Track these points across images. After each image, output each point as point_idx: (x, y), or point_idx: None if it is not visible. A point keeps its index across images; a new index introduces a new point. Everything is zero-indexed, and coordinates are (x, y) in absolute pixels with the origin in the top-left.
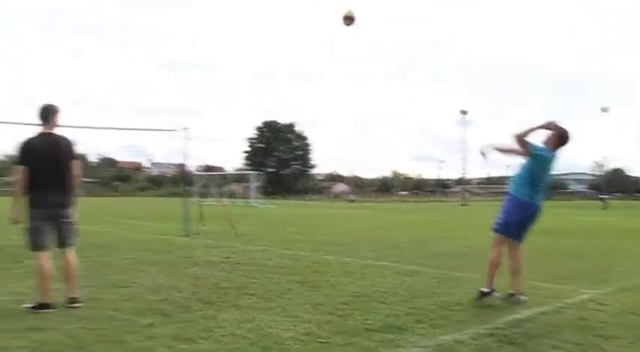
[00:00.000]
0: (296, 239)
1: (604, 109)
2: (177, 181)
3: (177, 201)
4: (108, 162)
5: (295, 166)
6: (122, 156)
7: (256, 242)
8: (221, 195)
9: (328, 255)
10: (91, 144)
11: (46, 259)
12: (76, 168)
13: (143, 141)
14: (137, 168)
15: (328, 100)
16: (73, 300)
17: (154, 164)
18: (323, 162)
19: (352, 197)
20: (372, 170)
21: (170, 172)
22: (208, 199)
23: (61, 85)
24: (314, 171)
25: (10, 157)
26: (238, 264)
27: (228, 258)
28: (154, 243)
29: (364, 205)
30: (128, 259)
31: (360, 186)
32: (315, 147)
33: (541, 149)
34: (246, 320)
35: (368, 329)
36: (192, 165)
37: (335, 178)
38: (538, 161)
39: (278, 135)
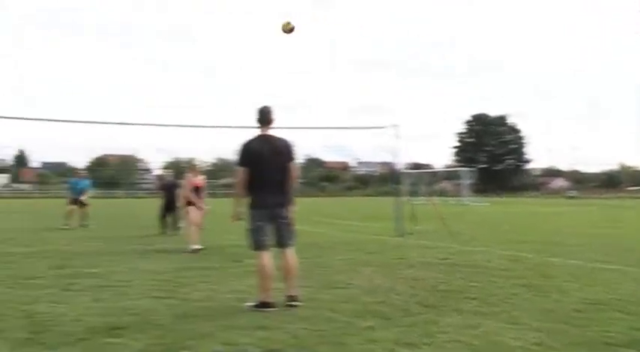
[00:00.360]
0: (514, 239)
1: None
2: (385, 180)
3: (386, 201)
4: (315, 163)
5: (508, 161)
6: (327, 156)
7: (472, 242)
8: (431, 194)
9: (552, 256)
10: (296, 144)
11: (267, 259)
12: (294, 169)
13: (347, 141)
14: (344, 167)
15: (537, 89)
16: (292, 299)
17: (360, 163)
18: (539, 156)
19: (572, 193)
20: (595, 164)
21: (377, 171)
22: (419, 198)
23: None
24: (529, 166)
25: (222, 160)
26: (456, 265)
27: (445, 259)
28: (367, 243)
29: (586, 202)
30: (343, 260)
31: (580, 182)
32: (529, 140)
33: None
34: (469, 326)
35: (608, 343)
36: (400, 162)
37: (553, 173)
38: None
39: (489, 128)
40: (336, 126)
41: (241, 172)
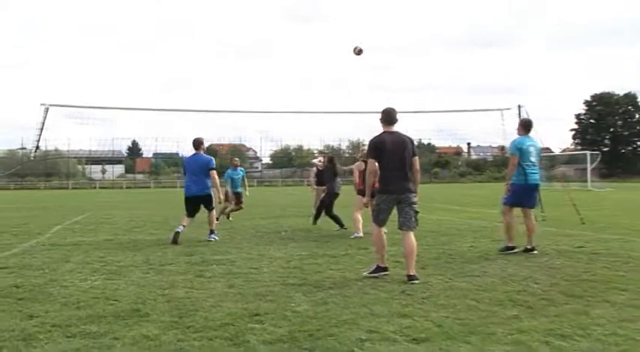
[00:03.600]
0: None
1: None
2: (500, 165)
3: (502, 187)
4: (427, 148)
5: (637, 143)
6: (438, 140)
7: (608, 230)
8: (551, 179)
9: None
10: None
11: (381, 232)
12: (417, 163)
13: (458, 124)
14: (457, 152)
15: None
16: (412, 278)
17: (473, 148)
18: None
19: None
20: None
21: (491, 156)
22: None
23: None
24: None
25: (330, 148)
26: (595, 254)
27: (581, 247)
28: (491, 230)
29: None
30: (472, 247)
31: None
32: None
33: None
34: (626, 320)
35: None
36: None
37: None
38: None
39: (613, 108)
40: (452, 109)
41: (372, 163)
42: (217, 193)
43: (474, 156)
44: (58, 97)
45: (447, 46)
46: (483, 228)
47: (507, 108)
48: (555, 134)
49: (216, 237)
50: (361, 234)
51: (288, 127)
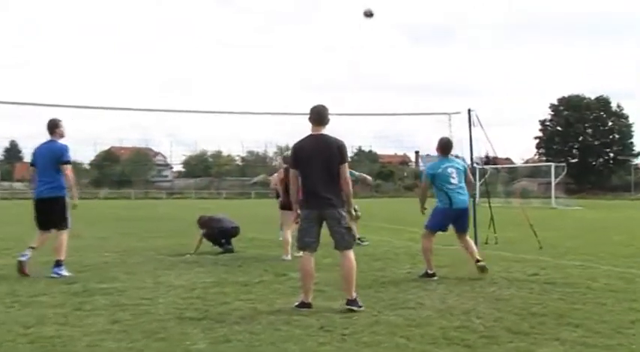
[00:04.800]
0: (623, 252)
1: None
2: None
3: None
4: (368, 157)
5: (609, 154)
6: (382, 148)
7: (569, 255)
8: (509, 194)
9: None
10: (342, 134)
11: (308, 259)
12: (346, 172)
13: (405, 130)
14: (403, 162)
15: None
16: (351, 303)
17: (422, 157)
18: None
19: None
20: None
21: None
22: (495, 199)
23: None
24: (638, 160)
25: (253, 154)
26: (551, 283)
27: (535, 275)
28: (435, 254)
29: None
30: (408, 274)
31: None
32: (638, 127)
33: None
34: None
35: None
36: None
37: None
38: None
39: (583, 114)
40: (393, 112)
41: (292, 173)
42: (75, 197)
43: (422, 167)
44: None
45: (391, 39)
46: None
47: (456, 112)
48: (517, 142)
49: (65, 273)
50: (289, 257)
51: (204, 129)
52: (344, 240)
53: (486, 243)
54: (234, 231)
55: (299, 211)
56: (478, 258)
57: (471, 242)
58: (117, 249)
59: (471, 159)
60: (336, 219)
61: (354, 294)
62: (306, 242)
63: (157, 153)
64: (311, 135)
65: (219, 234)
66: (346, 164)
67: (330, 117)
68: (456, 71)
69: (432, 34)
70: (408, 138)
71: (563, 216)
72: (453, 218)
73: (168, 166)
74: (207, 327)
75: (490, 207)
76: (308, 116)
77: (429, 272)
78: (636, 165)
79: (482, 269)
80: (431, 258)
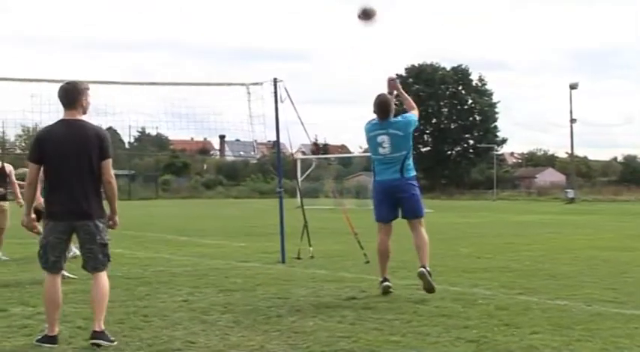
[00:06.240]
0: (469, 266)
1: None
2: (267, 172)
3: (264, 204)
4: (155, 142)
5: (469, 141)
6: (175, 131)
7: (401, 271)
8: (341, 194)
9: (525, 294)
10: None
11: (53, 283)
12: (109, 171)
13: (208, 106)
14: (203, 150)
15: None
16: (97, 335)
17: (229, 143)
18: (518, 133)
19: (571, 193)
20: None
21: (255, 157)
22: (320, 200)
23: None
24: (503, 149)
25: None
26: (370, 308)
27: (352, 298)
28: (226, 274)
29: (594, 207)
30: (183, 302)
31: (586, 175)
32: (504, 107)
33: None
34: None
35: None
36: (293, 144)
37: (540, 161)
38: None
39: (437, 89)
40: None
41: (33, 170)
42: None
43: (229, 157)
44: None
45: None
46: (214, 271)
47: (256, 83)
48: (354, 126)
49: None
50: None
51: None
52: (97, 259)
53: (298, 258)
54: None
55: (44, 222)
56: (385, 279)
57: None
58: None
59: (277, 143)
60: (90, 233)
61: (103, 326)
62: (53, 262)
63: None
64: (62, 120)
65: None
66: (110, 160)
67: (83, 97)
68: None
69: None
70: (211, 118)
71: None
72: (384, 196)
73: None
74: None
75: (303, 211)
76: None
77: (384, 277)
78: (501, 155)
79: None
80: (383, 261)
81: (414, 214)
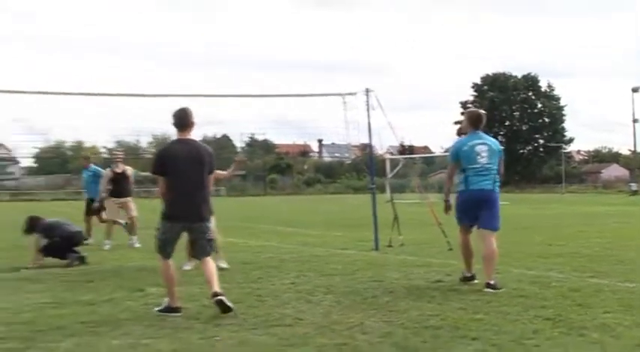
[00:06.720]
0: (543, 252)
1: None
2: (360, 170)
3: (358, 199)
4: (262, 146)
5: (539, 141)
6: (279, 136)
7: (480, 258)
8: (426, 189)
9: (596, 277)
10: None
11: (170, 266)
12: (212, 182)
13: (306, 115)
14: (304, 152)
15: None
16: (217, 294)
17: (326, 146)
18: (585, 133)
19: (634, 186)
20: None
21: (349, 158)
22: (407, 195)
23: None
24: (571, 147)
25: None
26: (454, 290)
27: (439, 281)
28: (327, 260)
29: None
30: (291, 284)
31: None
32: (571, 111)
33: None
34: None
35: None
36: (383, 146)
37: (605, 158)
38: None
39: (509, 95)
40: (285, 93)
41: (161, 182)
42: None
43: (326, 158)
44: None
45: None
46: (316, 258)
47: (350, 93)
48: (436, 128)
49: None
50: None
51: (61, 115)
52: (206, 250)
53: (389, 246)
54: (79, 236)
55: (162, 222)
56: (489, 281)
57: (492, 251)
58: None
59: (370, 147)
60: (202, 232)
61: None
62: (170, 252)
63: None
64: (179, 140)
65: (64, 243)
66: (214, 173)
67: (193, 120)
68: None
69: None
70: (311, 124)
71: None
72: (472, 205)
73: (13, 161)
74: None
75: (393, 204)
76: (171, 121)
77: (467, 275)
78: (569, 153)
79: (493, 288)
80: (469, 259)
81: (493, 226)
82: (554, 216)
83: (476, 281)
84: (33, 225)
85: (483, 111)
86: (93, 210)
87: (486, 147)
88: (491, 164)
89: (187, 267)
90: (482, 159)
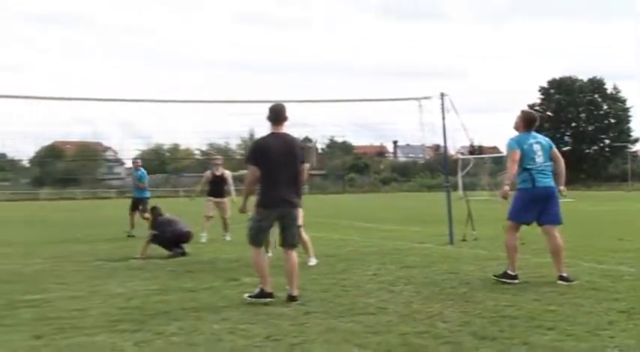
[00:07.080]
0: (613, 247)
1: None
2: (433, 170)
3: (432, 197)
4: (341, 148)
5: (605, 141)
6: (357, 138)
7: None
8: (496, 187)
9: None
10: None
11: (261, 255)
12: (305, 173)
13: (382, 118)
14: (380, 153)
15: None
16: (294, 299)
17: (400, 147)
18: None
19: None
20: None
21: (423, 158)
22: (477, 192)
23: None
24: (636, 147)
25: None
26: (527, 282)
27: None
28: (406, 253)
29: None
30: (373, 276)
31: None
32: (638, 112)
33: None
34: None
35: None
36: (455, 146)
37: None
38: None
39: (576, 98)
40: (363, 97)
41: (252, 171)
42: None
43: (401, 158)
44: None
45: (355, 15)
46: (396, 251)
47: (426, 97)
48: (504, 130)
49: None
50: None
51: (160, 120)
52: (294, 238)
53: (464, 240)
54: (188, 235)
55: (257, 210)
56: (560, 274)
57: (559, 244)
58: (50, 256)
59: (445, 148)
60: (292, 219)
61: (296, 292)
62: (261, 239)
63: (107, 148)
64: (273, 133)
65: (172, 238)
66: (306, 164)
67: (287, 115)
68: (441, 51)
69: (411, 9)
70: (386, 127)
71: None
72: (537, 202)
73: (119, 162)
74: (141, 340)
75: (467, 201)
76: (267, 115)
77: (510, 273)
78: (634, 152)
79: (566, 280)
80: (515, 257)
81: (557, 220)
82: (622, 212)
83: (517, 281)
84: (152, 219)
85: (538, 114)
86: (140, 209)
87: (540, 146)
88: (548, 161)
89: (270, 254)
90: (540, 159)
